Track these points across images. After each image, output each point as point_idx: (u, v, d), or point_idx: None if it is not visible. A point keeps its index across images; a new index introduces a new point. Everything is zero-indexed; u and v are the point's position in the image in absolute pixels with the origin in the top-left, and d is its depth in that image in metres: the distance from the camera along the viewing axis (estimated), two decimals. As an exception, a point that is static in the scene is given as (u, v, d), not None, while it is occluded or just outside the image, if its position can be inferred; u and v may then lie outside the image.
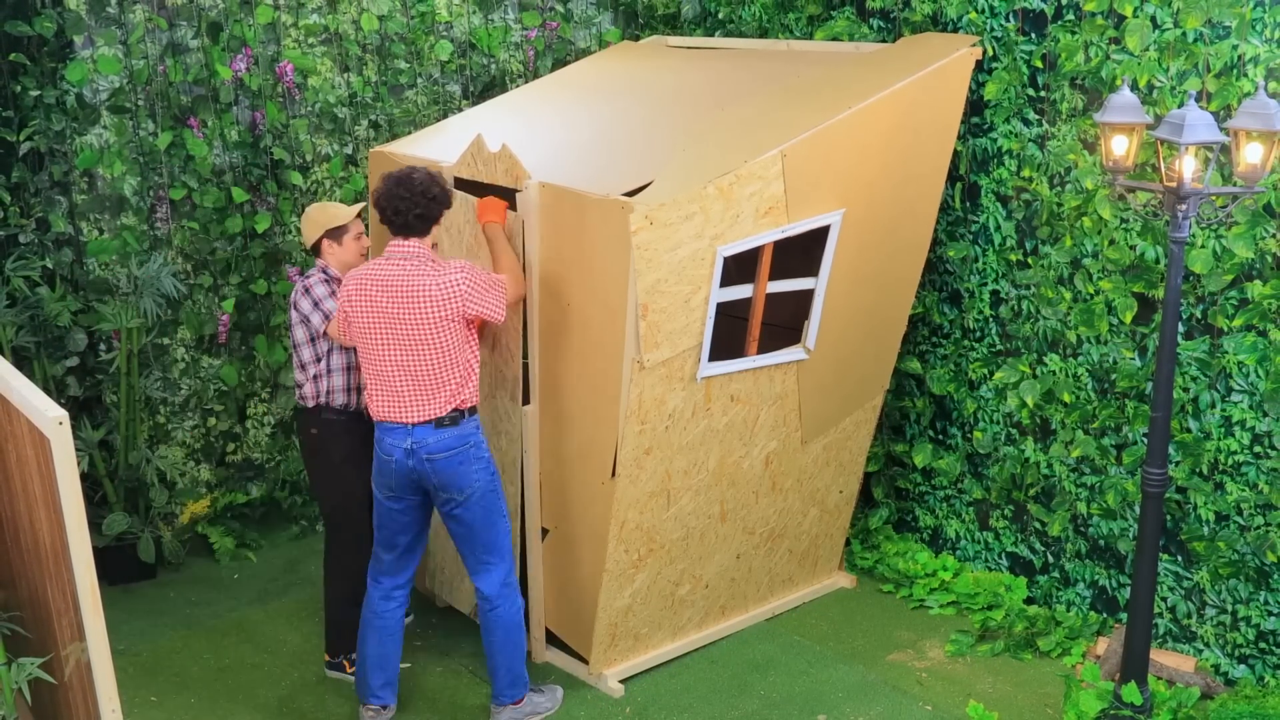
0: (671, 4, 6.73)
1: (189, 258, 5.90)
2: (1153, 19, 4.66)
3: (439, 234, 4.86)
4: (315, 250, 4.82)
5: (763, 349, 4.95)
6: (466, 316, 4.28)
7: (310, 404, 4.80)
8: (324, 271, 4.80)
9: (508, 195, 4.71)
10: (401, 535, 4.50)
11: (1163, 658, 4.86)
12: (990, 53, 5.18)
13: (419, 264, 4.26)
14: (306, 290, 4.74)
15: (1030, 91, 5.10)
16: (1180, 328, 4.73)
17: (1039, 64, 5.05)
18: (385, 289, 4.27)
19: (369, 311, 4.30)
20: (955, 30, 5.31)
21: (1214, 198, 4.43)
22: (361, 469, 4.84)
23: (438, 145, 5.28)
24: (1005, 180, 5.25)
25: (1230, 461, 4.70)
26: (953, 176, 5.42)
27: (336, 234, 4.77)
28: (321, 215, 4.78)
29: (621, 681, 4.94)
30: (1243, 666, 4.81)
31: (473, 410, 4.38)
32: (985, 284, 5.41)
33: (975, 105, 5.28)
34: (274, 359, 6.10)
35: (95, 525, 5.58)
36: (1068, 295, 5.09)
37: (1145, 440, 4.92)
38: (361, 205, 4.89)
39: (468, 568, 4.55)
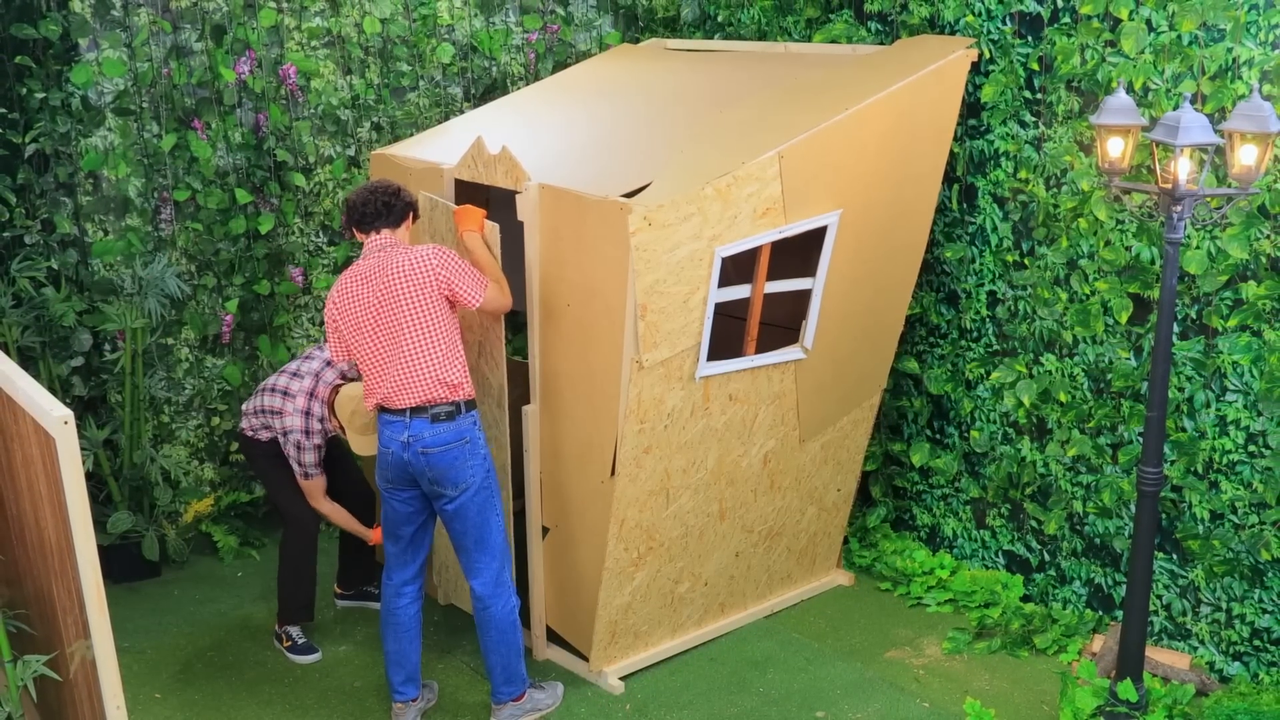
0: (671, 7, 6.75)
1: (193, 259, 5.94)
2: (1148, 22, 4.67)
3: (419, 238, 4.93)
4: (332, 408, 5.06)
5: (761, 349, 4.98)
6: (441, 292, 4.33)
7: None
8: (323, 423, 5.04)
9: (507, 198, 4.74)
10: (405, 526, 4.54)
11: (1158, 655, 4.88)
12: (987, 55, 5.21)
13: (392, 250, 4.37)
14: (300, 446, 5.00)
15: (1026, 94, 5.13)
16: (1175, 328, 4.75)
17: (1035, 66, 5.07)
18: (363, 280, 4.37)
19: (352, 307, 4.38)
20: (952, 33, 5.33)
21: (1209, 199, 4.45)
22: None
23: (439, 147, 5.31)
24: (1002, 182, 5.28)
25: (1225, 460, 4.73)
26: (949, 178, 5.45)
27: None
28: (360, 421, 4.99)
29: (622, 678, 4.97)
30: (1237, 664, 4.83)
31: (470, 405, 4.42)
32: (982, 284, 5.44)
33: (972, 107, 5.31)
34: (277, 359, 6.14)
35: (100, 524, 5.62)
36: (1064, 296, 5.12)
37: (1141, 439, 4.94)
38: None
39: (461, 566, 4.60)
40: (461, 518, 4.44)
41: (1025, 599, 5.51)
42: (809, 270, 4.91)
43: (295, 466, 5.05)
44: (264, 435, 5.12)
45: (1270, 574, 4.68)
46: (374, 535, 5.21)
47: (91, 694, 3.62)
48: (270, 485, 5.22)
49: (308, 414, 5.00)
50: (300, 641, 5.23)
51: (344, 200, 4.46)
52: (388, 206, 4.42)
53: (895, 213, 5.06)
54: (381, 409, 4.43)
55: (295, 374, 5.09)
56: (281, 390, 5.06)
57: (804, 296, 4.96)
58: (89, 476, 5.61)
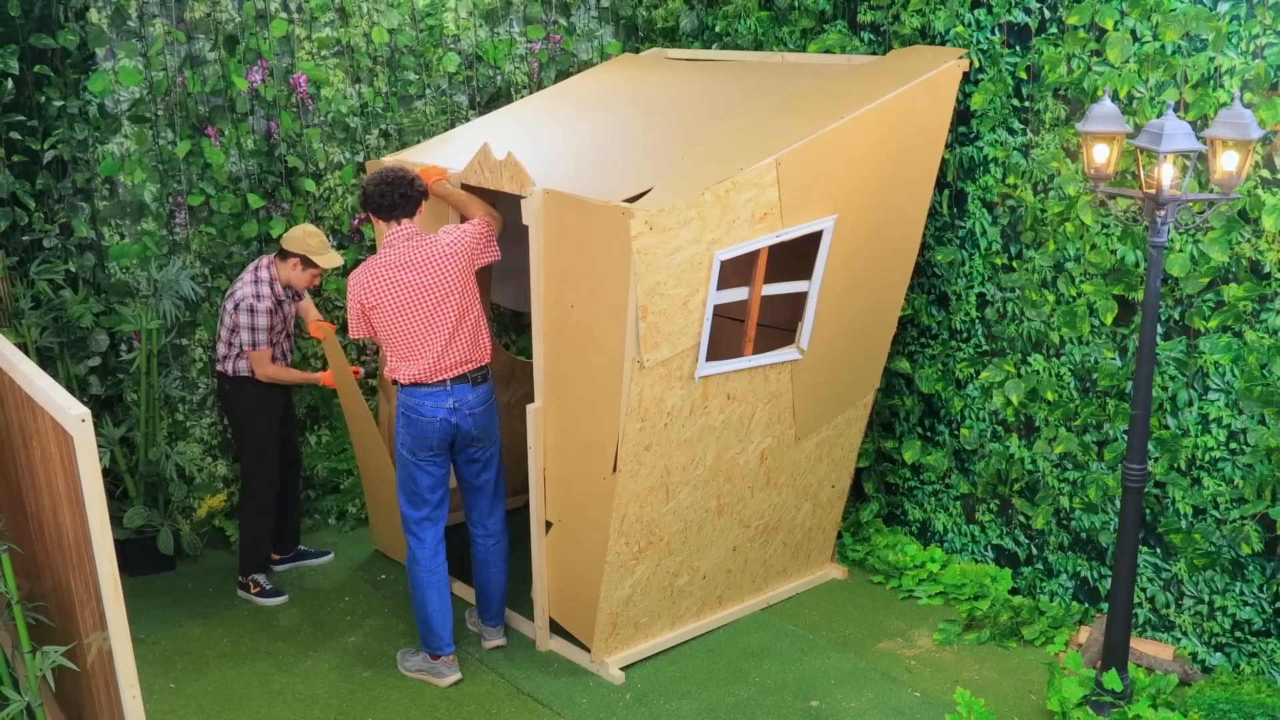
0: (670, 18, 6.76)
1: (206, 261, 5.98)
2: (1133, 32, 4.73)
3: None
4: (282, 254, 5.46)
5: (758, 349, 5.03)
6: (472, 267, 4.81)
7: (223, 369, 5.57)
8: (272, 287, 5.45)
9: (513, 202, 4.82)
10: (439, 490, 4.96)
11: (1142, 646, 4.94)
12: (977, 64, 5.27)
13: (420, 238, 4.81)
14: (252, 310, 5.40)
15: (1015, 102, 5.19)
16: (1159, 329, 4.77)
17: (1023, 75, 5.13)
18: (402, 266, 4.75)
19: (391, 290, 4.74)
20: (943, 43, 5.39)
21: (1191, 204, 4.47)
22: (269, 415, 5.61)
23: (446, 154, 5.36)
24: (991, 187, 5.34)
25: (1207, 457, 4.79)
26: (941, 183, 5.50)
27: (310, 263, 5.47)
28: (315, 240, 5.44)
29: (622, 669, 5.03)
30: (1219, 655, 4.89)
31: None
32: (972, 287, 5.51)
33: (962, 115, 5.37)
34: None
35: (116, 519, 5.69)
36: (1051, 298, 5.19)
37: (1125, 437, 4.96)
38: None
39: (479, 512, 5.11)
40: (491, 467, 5.04)
41: (1013, 592, 5.56)
42: (805, 273, 4.96)
43: (246, 335, 5.39)
44: (225, 369, 5.49)
45: (1251, 567, 4.74)
46: (324, 378, 5.63)
47: (108, 684, 3.65)
48: (240, 438, 5.61)
49: (256, 281, 5.42)
50: (268, 586, 5.72)
51: (362, 195, 4.81)
52: (405, 198, 4.76)
53: (889, 218, 5.11)
54: (415, 384, 4.78)
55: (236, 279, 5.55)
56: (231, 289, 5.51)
57: (800, 299, 5.01)
58: (106, 473, 5.67)
